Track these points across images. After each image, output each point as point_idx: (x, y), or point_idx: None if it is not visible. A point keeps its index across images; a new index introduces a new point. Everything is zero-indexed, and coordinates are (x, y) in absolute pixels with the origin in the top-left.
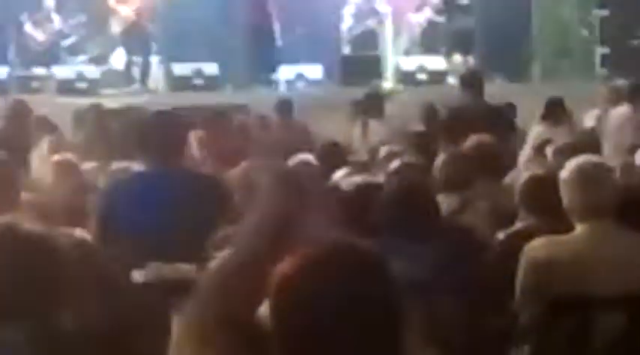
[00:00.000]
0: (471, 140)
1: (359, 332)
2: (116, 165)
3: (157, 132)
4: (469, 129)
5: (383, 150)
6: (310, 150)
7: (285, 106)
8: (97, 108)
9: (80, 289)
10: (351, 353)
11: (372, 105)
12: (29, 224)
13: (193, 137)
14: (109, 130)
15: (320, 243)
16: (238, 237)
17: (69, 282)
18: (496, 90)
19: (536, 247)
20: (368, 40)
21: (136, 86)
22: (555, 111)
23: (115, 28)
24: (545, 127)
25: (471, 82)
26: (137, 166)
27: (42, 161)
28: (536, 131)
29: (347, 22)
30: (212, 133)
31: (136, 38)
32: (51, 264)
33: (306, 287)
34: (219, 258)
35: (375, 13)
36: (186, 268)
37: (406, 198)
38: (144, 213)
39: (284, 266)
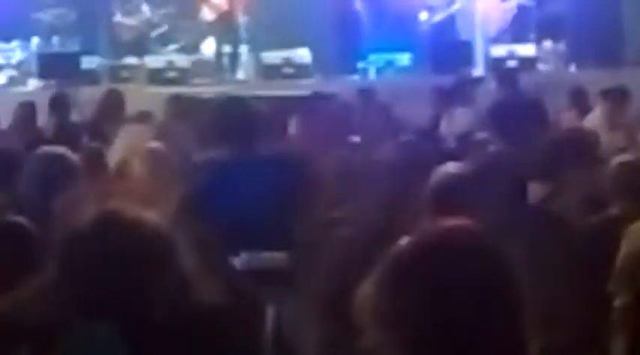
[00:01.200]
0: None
1: (476, 314)
2: (202, 154)
3: (237, 119)
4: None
5: (475, 137)
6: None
7: (368, 94)
8: (186, 97)
9: (180, 278)
10: (470, 335)
11: (460, 92)
12: (131, 209)
13: (289, 124)
14: (199, 119)
15: (437, 226)
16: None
17: (172, 270)
18: (587, 77)
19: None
20: (456, 26)
21: (226, 75)
22: None
23: (207, 16)
24: None
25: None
26: (221, 154)
27: (130, 150)
28: None
29: (435, 9)
30: (305, 120)
31: (226, 27)
32: (152, 250)
33: (426, 268)
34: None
35: None
36: (277, 257)
37: (496, 186)
38: (231, 201)
39: (402, 247)
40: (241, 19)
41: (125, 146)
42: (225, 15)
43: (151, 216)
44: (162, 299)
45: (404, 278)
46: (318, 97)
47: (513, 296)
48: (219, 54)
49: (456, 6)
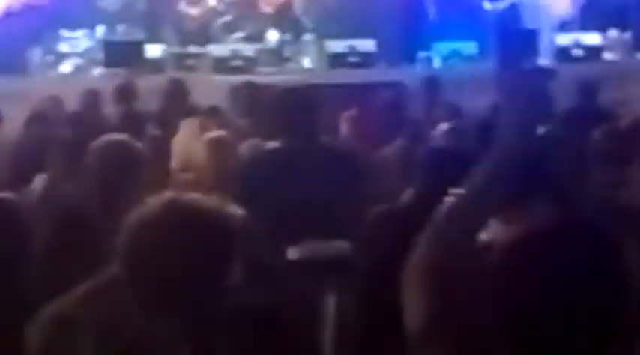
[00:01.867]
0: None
1: (588, 307)
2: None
3: (299, 108)
4: None
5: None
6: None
7: (431, 83)
8: (250, 86)
9: (241, 268)
10: (580, 327)
11: (526, 82)
12: (195, 198)
13: (344, 114)
14: (263, 107)
15: (550, 217)
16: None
17: (234, 261)
18: None
19: None
20: (521, 14)
21: (291, 64)
22: None
23: (265, 8)
24: None
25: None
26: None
27: (192, 139)
28: None
29: None
30: (362, 110)
31: (286, 19)
32: (220, 240)
33: (536, 257)
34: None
35: None
36: (338, 245)
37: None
38: (291, 189)
39: (515, 233)
40: (301, 8)
41: (188, 135)
42: (282, 7)
43: (217, 205)
44: (224, 292)
45: (511, 264)
46: (382, 86)
47: (622, 295)
48: (282, 43)
49: None
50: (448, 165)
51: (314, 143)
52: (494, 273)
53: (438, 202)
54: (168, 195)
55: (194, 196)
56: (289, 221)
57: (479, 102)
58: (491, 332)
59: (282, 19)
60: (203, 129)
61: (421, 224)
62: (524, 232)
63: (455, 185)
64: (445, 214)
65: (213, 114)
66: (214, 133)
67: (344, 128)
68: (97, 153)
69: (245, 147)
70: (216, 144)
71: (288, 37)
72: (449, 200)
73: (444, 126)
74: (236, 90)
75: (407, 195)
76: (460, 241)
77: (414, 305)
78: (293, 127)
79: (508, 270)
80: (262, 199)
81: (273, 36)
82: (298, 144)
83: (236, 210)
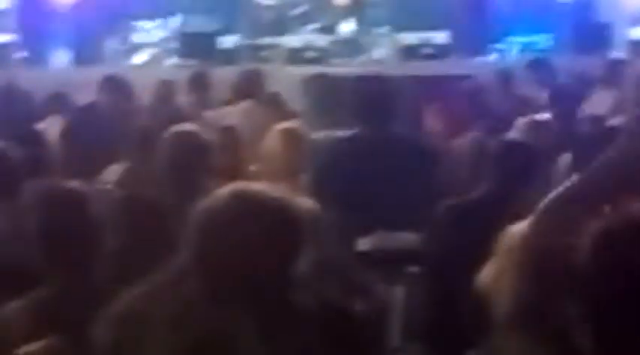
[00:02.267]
0: None
1: None
2: (338, 132)
3: (374, 97)
4: None
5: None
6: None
7: (505, 76)
8: (323, 77)
9: (310, 259)
10: None
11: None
12: (266, 188)
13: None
14: (336, 99)
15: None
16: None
17: (301, 252)
18: None
19: None
20: (596, 7)
21: (365, 56)
22: None
23: (339, 1)
24: None
25: None
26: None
27: (263, 129)
28: None
29: None
30: (440, 102)
31: (360, 9)
32: (288, 231)
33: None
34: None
35: None
36: (410, 237)
37: None
38: (361, 179)
39: (610, 222)
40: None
41: (258, 125)
42: None
43: (285, 195)
44: (292, 283)
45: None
46: (455, 78)
47: None
48: (356, 34)
49: None
50: (522, 159)
51: (388, 133)
52: (589, 264)
53: (510, 196)
54: (235, 185)
55: (262, 186)
56: (362, 211)
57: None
58: (578, 323)
59: (357, 10)
60: (266, 119)
61: (493, 217)
62: (619, 223)
63: (527, 180)
64: (554, 203)
65: (273, 103)
66: (287, 123)
67: (426, 119)
68: (168, 142)
69: (315, 138)
70: (288, 135)
71: (361, 28)
72: (559, 189)
73: (523, 119)
74: (309, 82)
75: (480, 188)
76: (566, 229)
77: (508, 290)
78: (367, 117)
79: (600, 261)
80: (335, 188)
81: (347, 27)
82: (372, 133)
83: (305, 201)
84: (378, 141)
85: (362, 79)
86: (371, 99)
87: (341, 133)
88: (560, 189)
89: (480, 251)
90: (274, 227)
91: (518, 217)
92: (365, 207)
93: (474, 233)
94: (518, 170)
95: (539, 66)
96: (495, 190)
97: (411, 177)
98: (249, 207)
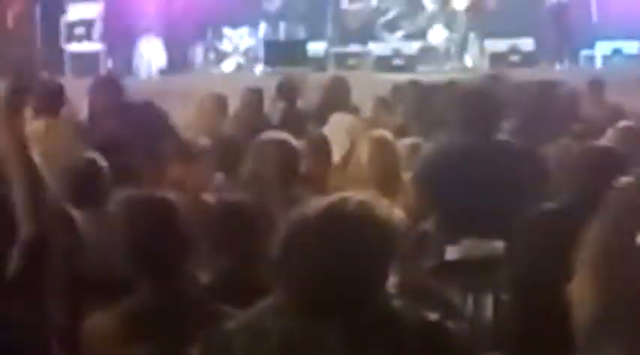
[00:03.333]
0: None
1: None
2: (409, 140)
3: (480, 105)
4: None
5: None
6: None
7: (596, 85)
8: (417, 84)
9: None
10: None
11: None
12: (364, 200)
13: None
14: (429, 106)
15: None
16: None
17: (390, 263)
18: None
19: None
20: None
21: (453, 63)
22: None
23: (457, 6)
24: None
25: None
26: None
27: (353, 137)
28: None
29: None
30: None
31: (477, 15)
32: (380, 245)
33: None
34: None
35: None
36: (497, 245)
37: None
38: (465, 186)
39: None
40: (492, 6)
41: (347, 133)
42: (475, 4)
43: (379, 208)
44: (381, 297)
45: None
46: (547, 84)
47: None
48: (446, 41)
49: None
50: (611, 165)
51: (493, 141)
52: None
53: (598, 203)
54: (329, 197)
55: (354, 198)
56: (467, 217)
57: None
58: None
59: (446, 16)
60: (352, 127)
61: (581, 224)
62: None
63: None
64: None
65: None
66: (378, 132)
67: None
68: (258, 151)
69: (403, 146)
70: (380, 143)
71: (453, 35)
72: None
73: (615, 127)
74: (400, 90)
75: (568, 194)
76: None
77: (588, 295)
78: (472, 126)
79: None
80: (438, 196)
81: (437, 34)
82: (477, 142)
83: (396, 212)
84: (485, 148)
85: (469, 89)
86: (478, 108)
87: (443, 140)
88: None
89: (568, 260)
90: (366, 240)
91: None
92: (471, 214)
93: (562, 241)
94: (605, 176)
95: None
96: (581, 197)
97: (516, 185)
98: (339, 219)
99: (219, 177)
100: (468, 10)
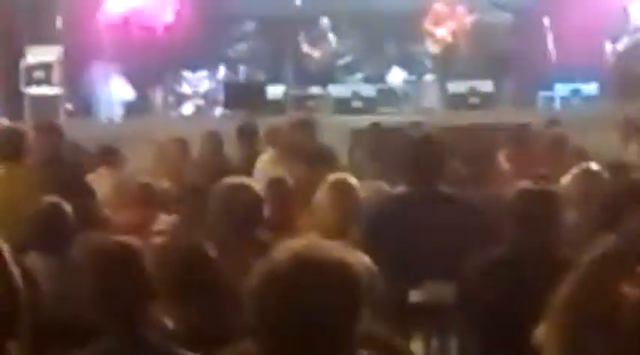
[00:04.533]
0: None
1: None
2: (368, 183)
3: (425, 153)
4: None
5: None
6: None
7: (555, 124)
8: (375, 127)
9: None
10: None
11: None
12: (330, 246)
13: (500, 153)
14: (387, 149)
15: None
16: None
17: (361, 309)
18: None
19: None
20: (637, 54)
21: (412, 105)
22: None
23: (432, 49)
24: None
25: None
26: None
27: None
28: None
29: (620, 38)
30: (516, 150)
31: (447, 60)
32: (351, 292)
33: None
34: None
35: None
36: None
37: None
38: (412, 233)
39: None
40: (467, 50)
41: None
42: (449, 47)
43: (343, 254)
44: (352, 341)
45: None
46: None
47: None
48: (405, 83)
49: None
50: (539, 208)
51: (437, 191)
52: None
53: (531, 248)
54: (294, 244)
55: (320, 245)
56: (411, 265)
57: (601, 143)
58: None
59: (403, 59)
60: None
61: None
62: None
63: (547, 230)
64: (600, 259)
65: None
66: (339, 176)
67: (499, 167)
68: (220, 196)
69: (366, 189)
70: (341, 188)
71: (411, 77)
72: (601, 245)
73: (576, 169)
74: (361, 133)
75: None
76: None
77: (552, 343)
78: (420, 175)
79: None
80: (386, 244)
81: (396, 76)
82: (422, 191)
83: (362, 257)
84: (428, 198)
85: (419, 137)
86: (425, 158)
87: (393, 189)
88: (600, 248)
89: (525, 305)
90: (336, 288)
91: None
92: (415, 262)
93: (502, 287)
94: (534, 219)
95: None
96: (517, 242)
97: (459, 231)
98: (309, 266)
99: (180, 221)
100: (441, 53)
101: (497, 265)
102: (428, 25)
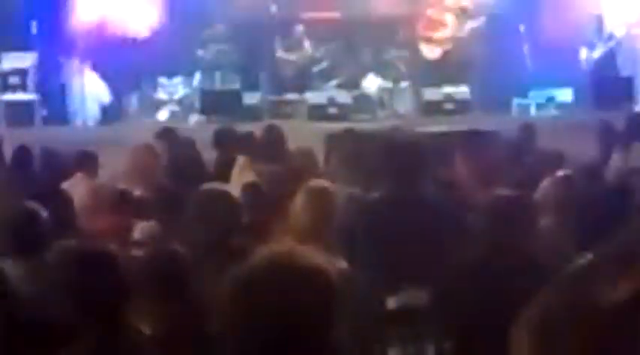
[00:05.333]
0: None
1: None
2: (344, 188)
3: (402, 155)
4: None
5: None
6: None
7: (530, 130)
8: (350, 132)
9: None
10: None
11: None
12: (305, 252)
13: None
14: (362, 155)
15: None
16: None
17: (336, 314)
18: None
19: None
20: (617, 61)
21: (387, 111)
22: None
23: (429, 54)
24: None
25: None
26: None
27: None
28: None
29: (595, 45)
30: (469, 156)
31: (450, 65)
32: (323, 296)
33: None
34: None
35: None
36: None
37: None
38: (391, 237)
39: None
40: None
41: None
42: (446, 55)
43: (318, 259)
44: (329, 346)
45: None
46: (478, 134)
47: None
48: (380, 90)
49: (614, 42)
50: (511, 213)
51: (414, 194)
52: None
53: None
54: (269, 249)
55: (295, 249)
56: (389, 270)
57: (575, 149)
58: None
59: (379, 65)
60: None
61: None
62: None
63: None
64: (574, 274)
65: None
66: (316, 182)
67: (445, 175)
68: (199, 202)
69: (341, 196)
70: (317, 194)
71: (387, 83)
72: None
73: (558, 173)
74: (335, 138)
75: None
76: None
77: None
78: (395, 178)
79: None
80: (364, 248)
81: (371, 82)
82: (398, 195)
83: (337, 262)
84: (405, 202)
85: (392, 139)
86: (400, 160)
87: (370, 190)
88: (576, 265)
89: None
90: (310, 291)
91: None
92: (393, 266)
93: (488, 290)
94: (510, 223)
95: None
96: (490, 247)
97: (433, 236)
98: (284, 272)
99: (154, 227)
100: (439, 59)
101: (473, 269)
102: (423, 31)
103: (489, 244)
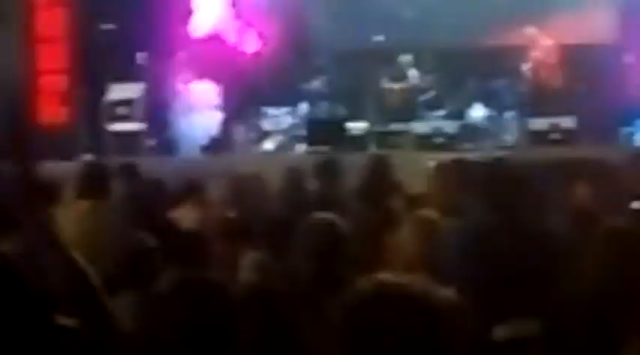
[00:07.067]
0: None
1: None
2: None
3: (507, 185)
4: None
5: None
6: None
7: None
8: (459, 162)
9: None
10: None
11: None
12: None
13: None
14: (471, 184)
15: None
16: None
17: (445, 344)
18: None
19: None
20: None
21: (492, 141)
22: None
23: (553, 83)
24: None
25: None
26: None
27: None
28: None
29: None
30: (594, 185)
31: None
32: (432, 327)
33: None
34: None
35: None
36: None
37: None
38: (495, 266)
39: None
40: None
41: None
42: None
43: (432, 288)
44: None
45: None
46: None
47: None
48: (486, 119)
49: None
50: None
51: (519, 223)
52: None
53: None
54: (377, 279)
55: (403, 279)
56: (495, 299)
57: None
58: None
59: (485, 95)
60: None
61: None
62: None
63: None
64: None
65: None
66: (422, 211)
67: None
68: (306, 232)
69: (449, 224)
70: (424, 223)
71: (493, 113)
72: None
73: None
74: (444, 168)
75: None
76: None
77: None
78: (502, 207)
79: None
80: (470, 278)
81: (477, 112)
82: (505, 224)
83: (448, 291)
84: (509, 230)
85: (501, 169)
86: (509, 190)
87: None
88: None
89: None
90: (415, 320)
91: None
92: (498, 296)
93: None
94: (619, 260)
95: None
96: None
97: (544, 266)
98: (392, 302)
99: (260, 257)
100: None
101: (580, 301)
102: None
103: (606, 275)
